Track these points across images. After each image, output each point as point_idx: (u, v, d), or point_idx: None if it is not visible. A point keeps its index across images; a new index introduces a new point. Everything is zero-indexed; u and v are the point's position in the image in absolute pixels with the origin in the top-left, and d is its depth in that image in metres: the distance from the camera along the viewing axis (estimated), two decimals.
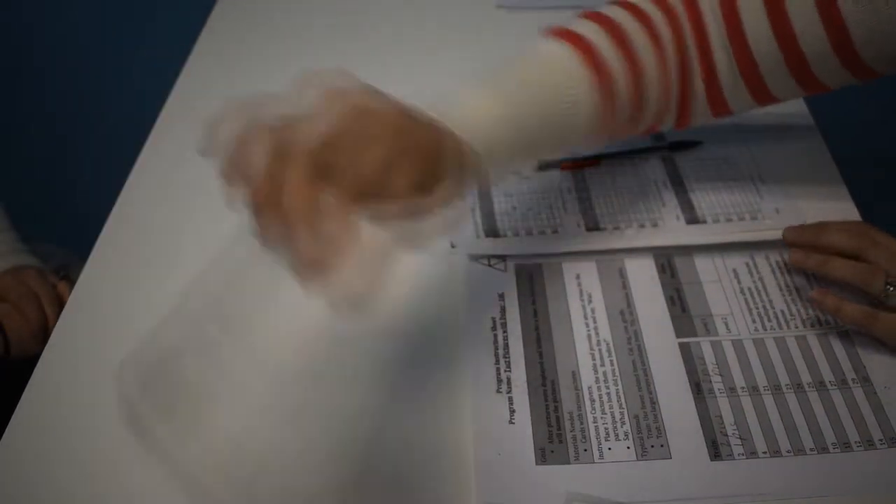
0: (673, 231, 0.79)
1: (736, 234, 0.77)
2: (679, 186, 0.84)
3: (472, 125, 0.59)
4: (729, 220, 0.79)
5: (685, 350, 0.68)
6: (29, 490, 0.62)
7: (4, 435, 0.65)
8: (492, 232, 0.80)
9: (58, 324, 0.75)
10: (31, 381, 0.69)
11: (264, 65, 1.06)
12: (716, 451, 0.61)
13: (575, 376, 0.67)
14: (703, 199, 0.82)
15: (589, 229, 0.80)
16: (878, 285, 0.67)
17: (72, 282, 0.93)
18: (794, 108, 0.93)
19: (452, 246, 0.78)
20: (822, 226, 0.74)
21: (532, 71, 0.65)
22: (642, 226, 0.80)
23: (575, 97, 0.64)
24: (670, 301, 0.72)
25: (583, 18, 0.68)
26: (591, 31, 0.66)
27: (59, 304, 0.94)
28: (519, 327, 0.71)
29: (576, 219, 0.81)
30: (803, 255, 0.72)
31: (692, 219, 0.80)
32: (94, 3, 1.60)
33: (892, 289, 0.66)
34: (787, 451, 0.61)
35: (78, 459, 0.63)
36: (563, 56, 0.65)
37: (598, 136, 0.68)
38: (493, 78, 0.63)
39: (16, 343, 0.93)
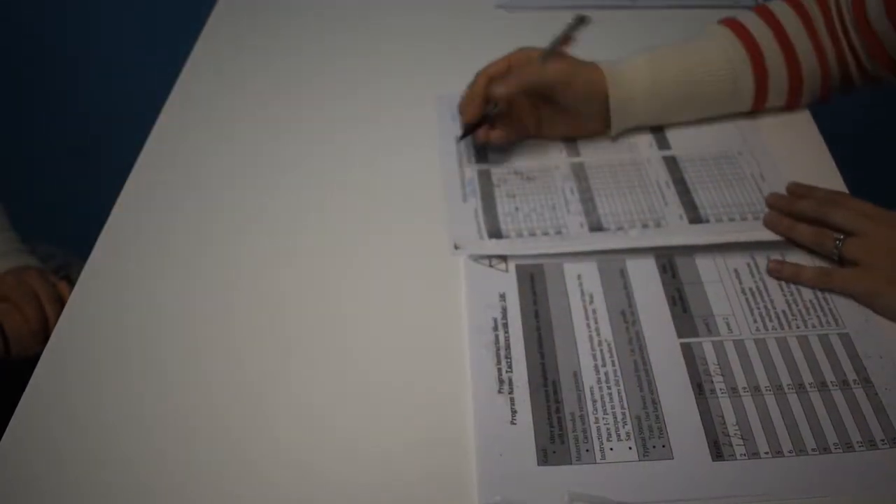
0: (676, 231, 0.79)
1: (738, 235, 0.77)
2: (681, 186, 0.84)
3: (615, 67, 0.84)
4: (731, 219, 0.79)
5: (687, 350, 0.68)
6: (29, 489, 0.61)
7: (5, 435, 0.65)
8: (495, 233, 0.80)
9: (58, 324, 0.75)
10: (31, 381, 0.69)
11: (264, 65, 1.06)
12: (717, 451, 0.61)
13: (576, 377, 0.67)
14: (706, 199, 0.82)
15: (592, 230, 0.80)
16: (828, 244, 0.72)
17: (72, 282, 0.93)
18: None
19: (456, 247, 0.78)
20: (800, 194, 0.78)
21: (693, 47, 0.86)
22: (645, 226, 0.80)
23: (727, 71, 0.84)
24: (672, 301, 0.72)
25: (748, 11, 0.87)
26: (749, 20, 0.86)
27: (60, 304, 0.94)
28: (520, 328, 0.71)
29: (579, 219, 0.81)
30: (776, 218, 0.77)
31: (695, 218, 0.80)
32: (94, 3, 1.60)
33: (839, 242, 0.71)
34: (789, 452, 0.61)
35: (78, 459, 0.63)
36: (723, 35, 0.85)
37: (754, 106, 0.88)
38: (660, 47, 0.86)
39: (16, 343, 0.93)
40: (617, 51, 0.88)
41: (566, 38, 0.86)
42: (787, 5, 0.87)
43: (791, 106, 0.89)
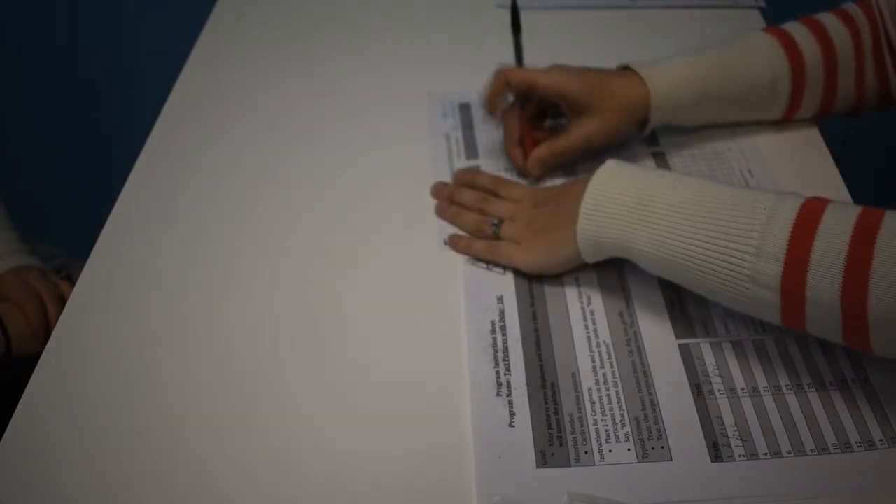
0: None
1: None
2: None
3: (659, 75, 0.82)
4: None
5: (685, 351, 0.68)
6: (29, 489, 0.62)
7: (5, 434, 0.65)
8: None
9: (59, 323, 0.75)
10: (32, 380, 0.69)
11: (264, 65, 1.06)
12: (716, 452, 0.61)
13: (575, 378, 0.67)
14: None
15: None
16: (488, 229, 0.78)
17: (73, 282, 0.93)
18: None
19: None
20: (464, 183, 0.84)
21: (736, 52, 0.85)
22: None
23: (769, 75, 0.83)
24: (669, 302, 0.72)
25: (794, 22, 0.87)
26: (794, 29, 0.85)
27: (62, 303, 0.95)
28: (518, 330, 0.71)
29: None
30: (443, 208, 0.83)
31: None
32: (94, 2, 1.60)
33: (495, 227, 0.77)
34: (788, 452, 0.61)
35: (79, 458, 0.63)
36: (765, 41, 0.84)
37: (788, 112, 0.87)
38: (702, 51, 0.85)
39: (17, 342, 0.93)
40: (616, 51, 0.88)
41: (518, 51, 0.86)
42: (838, 18, 0.85)
43: (819, 116, 0.88)
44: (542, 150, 0.83)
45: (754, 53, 0.84)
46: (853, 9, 0.86)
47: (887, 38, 0.83)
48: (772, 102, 0.86)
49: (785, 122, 0.88)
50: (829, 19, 0.85)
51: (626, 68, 0.84)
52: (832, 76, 0.84)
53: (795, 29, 0.85)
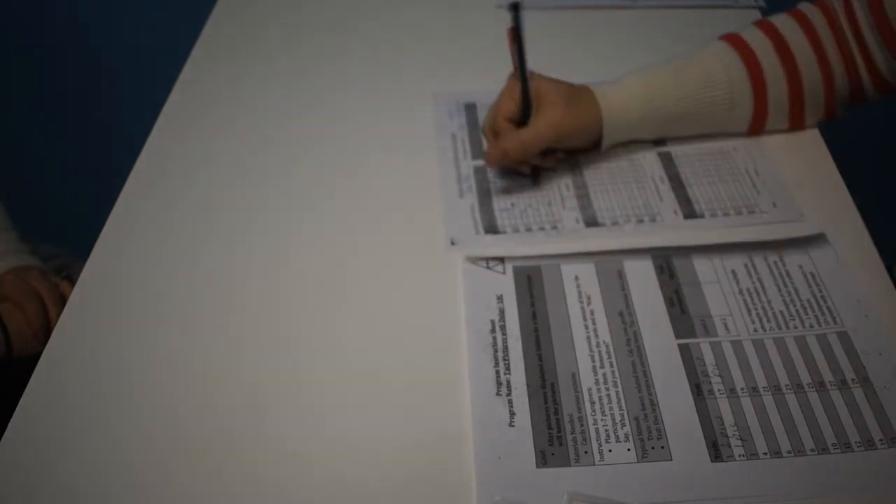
0: (671, 226, 0.79)
1: (735, 235, 0.77)
2: (676, 181, 0.84)
3: (610, 91, 0.82)
4: (726, 214, 0.80)
5: (685, 351, 0.68)
6: (30, 489, 0.62)
7: (5, 434, 0.65)
8: (491, 229, 0.80)
9: (59, 323, 0.75)
10: (32, 380, 0.69)
11: (264, 65, 1.06)
12: (716, 452, 0.61)
13: (575, 378, 0.67)
14: (701, 194, 0.82)
15: (588, 225, 0.80)
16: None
17: (73, 282, 0.93)
18: None
19: (452, 243, 0.79)
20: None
21: (689, 62, 0.84)
22: (641, 221, 0.80)
23: (725, 88, 0.83)
24: (669, 302, 0.72)
25: (753, 27, 0.86)
26: (754, 38, 0.84)
27: (62, 303, 0.95)
28: (518, 330, 0.71)
29: (574, 215, 0.81)
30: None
31: (690, 213, 0.80)
32: (94, 2, 1.60)
33: None
34: (788, 452, 0.61)
35: (79, 458, 0.63)
36: (723, 52, 0.84)
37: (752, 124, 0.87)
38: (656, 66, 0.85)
39: (17, 342, 0.93)
40: (617, 51, 0.88)
41: (518, 41, 0.81)
42: (791, 17, 0.85)
43: (795, 125, 0.87)
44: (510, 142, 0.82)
45: (708, 61, 0.84)
46: (806, 7, 0.86)
47: (857, 35, 0.83)
48: (733, 109, 0.85)
49: (758, 132, 0.88)
50: (781, 19, 0.85)
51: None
52: (794, 73, 0.83)
53: (748, 31, 0.85)
